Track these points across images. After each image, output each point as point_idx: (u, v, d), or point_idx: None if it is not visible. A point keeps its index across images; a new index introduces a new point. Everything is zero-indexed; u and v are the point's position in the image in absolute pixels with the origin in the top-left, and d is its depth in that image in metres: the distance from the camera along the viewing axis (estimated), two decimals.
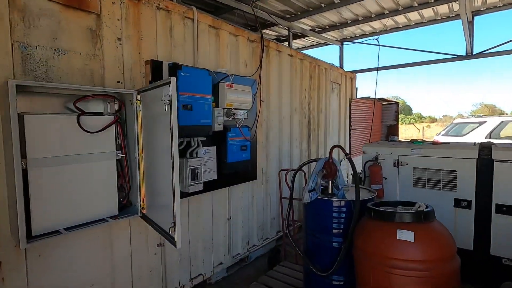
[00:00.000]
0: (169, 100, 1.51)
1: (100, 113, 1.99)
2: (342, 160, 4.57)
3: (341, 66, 6.26)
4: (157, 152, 1.86)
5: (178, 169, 1.63)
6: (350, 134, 6.17)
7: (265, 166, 3.81)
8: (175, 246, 1.73)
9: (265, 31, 5.30)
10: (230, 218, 3.32)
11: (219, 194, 3.15)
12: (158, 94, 1.72)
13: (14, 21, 1.74)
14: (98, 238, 2.15)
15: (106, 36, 2.14)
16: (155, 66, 2.35)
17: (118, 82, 2.22)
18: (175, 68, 2.36)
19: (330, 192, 2.43)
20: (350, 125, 6.16)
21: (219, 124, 2.78)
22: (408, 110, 44.54)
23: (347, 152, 2.31)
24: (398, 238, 1.82)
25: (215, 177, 2.91)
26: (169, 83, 1.55)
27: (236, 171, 3.01)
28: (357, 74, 6.40)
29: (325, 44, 6.61)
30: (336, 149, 2.49)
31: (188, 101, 2.43)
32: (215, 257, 3.16)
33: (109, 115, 1.99)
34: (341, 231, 2.30)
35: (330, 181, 2.41)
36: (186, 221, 2.81)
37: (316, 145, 4.99)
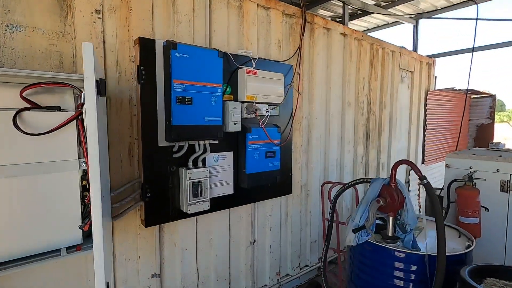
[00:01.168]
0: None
1: (57, 108, 1.48)
2: (408, 180, 3.47)
3: (415, 49, 4.95)
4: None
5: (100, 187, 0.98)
6: (424, 136, 4.85)
7: (305, 177, 3.00)
8: None
9: (313, 10, 4.40)
10: (254, 241, 2.63)
11: (238, 213, 2.48)
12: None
13: None
14: (71, 265, 1.69)
15: (79, 7, 1.64)
16: (145, 46, 1.77)
17: None
18: (168, 48, 1.75)
19: (390, 234, 1.54)
20: (425, 125, 4.84)
21: (235, 123, 2.10)
22: (500, 106, 37.28)
23: (422, 173, 1.38)
24: None
25: (231, 191, 2.25)
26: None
27: (258, 185, 2.29)
28: (436, 59, 5.01)
29: (394, 24, 5.35)
30: (403, 165, 1.57)
31: (186, 92, 1.80)
32: None
33: (68, 111, 1.46)
34: None
35: (390, 218, 1.52)
36: (193, 246, 2.22)
37: (377, 150, 3.93)
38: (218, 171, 2.17)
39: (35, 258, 1.38)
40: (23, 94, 1.39)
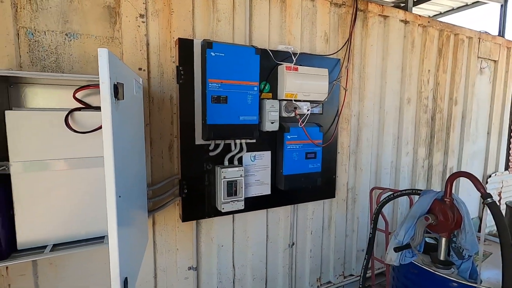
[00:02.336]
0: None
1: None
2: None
3: (502, 33, 4.13)
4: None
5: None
6: (510, 137, 4.05)
7: (352, 180, 2.77)
8: None
9: None
10: (293, 244, 2.54)
11: (277, 213, 2.41)
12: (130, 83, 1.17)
13: (20, 4, 1.54)
14: None
15: (125, 13, 1.75)
16: (184, 46, 1.81)
17: (140, 69, 1.82)
18: (204, 47, 1.76)
19: (442, 257, 1.30)
20: (511, 124, 4.04)
21: (272, 122, 2.02)
22: None
23: (485, 190, 1.10)
24: None
25: (268, 191, 2.19)
26: None
27: (296, 187, 2.18)
28: None
29: (475, 4, 4.55)
30: (461, 179, 1.31)
31: (221, 91, 1.79)
32: None
33: None
34: None
35: (443, 239, 1.27)
36: (229, 243, 2.24)
37: (444, 153, 3.42)
38: (255, 171, 2.13)
39: (82, 243, 1.54)
40: (76, 96, 1.56)
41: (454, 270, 1.27)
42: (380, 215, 1.92)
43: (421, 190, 1.40)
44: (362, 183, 2.81)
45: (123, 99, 0.94)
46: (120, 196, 0.93)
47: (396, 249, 1.28)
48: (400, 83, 2.95)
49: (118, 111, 0.95)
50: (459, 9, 4.68)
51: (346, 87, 2.47)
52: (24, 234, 1.44)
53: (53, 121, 1.47)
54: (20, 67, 1.56)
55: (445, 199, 1.26)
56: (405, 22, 2.88)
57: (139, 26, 1.79)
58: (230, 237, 2.24)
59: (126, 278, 0.99)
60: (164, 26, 1.87)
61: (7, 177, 1.39)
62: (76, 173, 1.52)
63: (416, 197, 1.47)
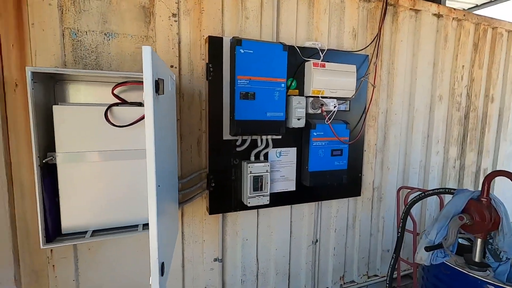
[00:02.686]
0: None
1: (139, 104, 1.70)
2: None
3: None
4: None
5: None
6: None
7: (378, 179, 2.71)
8: None
9: None
10: (317, 241, 2.54)
11: (301, 210, 2.42)
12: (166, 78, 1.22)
13: (65, 7, 1.66)
14: (146, 240, 1.96)
15: (159, 13, 1.83)
16: (213, 44, 1.87)
17: (172, 66, 1.89)
18: (234, 44, 1.80)
19: (477, 259, 1.25)
20: None
21: (298, 119, 2.03)
22: None
23: None
24: None
25: (293, 188, 2.21)
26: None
27: (322, 184, 2.18)
28: None
29: None
30: (498, 178, 1.25)
31: (250, 88, 1.83)
32: (292, 285, 2.50)
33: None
34: None
35: (478, 240, 1.23)
36: (253, 237, 2.28)
37: (477, 153, 3.26)
38: (280, 167, 2.16)
39: (117, 230, 1.64)
40: (114, 92, 1.65)
41: (490, 272, 1.22)
42: (408, 215, 1.87)
43: (455, 189, 1.35)
44: (389, 182, 2.75)
45: (163, 94, 1.00)
46: (159, 186, 0.99)
47: (427, 249, 1.25)
48: (431, 80, 2.84)
49: (158, 106, 1.01)
50: (497, 0, 4.41)
51: (374, 83, 2.42)
52: (68, 220, 1.56)
53: (94, 115, 1.57)
54: (64, 65, 1.68)
55: (482, 199, 1.21)
56: (438, 16, 2.77)
57: (171, 25, 1.86)
58: (254, 232, 2.29)
59: (163, 263, 1.06)
60: (194, 25, 1.93)
61: (54, 167, 1.51)
62: (115, 165, 1.62)
63: (448, 197, 1.42)
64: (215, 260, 2.17)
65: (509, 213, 3.66)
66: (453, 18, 2.84)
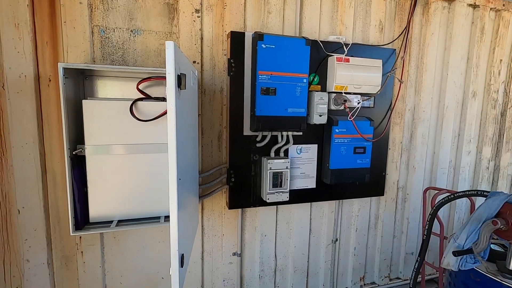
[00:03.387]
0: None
1: (162, 99, 1.74)
2: None
3: None
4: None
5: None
6: None
7: (403, 178, 2.61)
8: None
9: None
10: (337, 240, 2.49)
11: (321, 208, 2.39)
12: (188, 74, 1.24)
13: (94, 5, 1.73)
14: (167, 232, 2.02)
15: (183, 9, 1.85)
16: (235, 39, 1.86)
17: (194, 62, 1.92)
18: (256, 39, 1.78)
19: (511, 267, 1.17)
20: None
21: (320, 115, 1.99)
22: None
23: None
24: None
25: (313, 185, 2.18)
26: None
27: (343, 182, 2.13)
28: None
29: None
30: None
31: (271, 83, 1.81)
32: (310, 284, 2.48)
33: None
34: None
35: None
36: (272, 233, 2.28)
37: None
38: (300, 164, 2.13)
39: (140, 221, 1.70)
40: (139, 87, 1.70)
41: None
42: (435, 217, 1.78)
43: (488, 191, 1.27)
44: (415, 182, 2.63)
45: (185, 89, 1.01)
46: (180, 179, 1.01)
47: (456, 253, 1.18)
48: (464, 75, 2.67)
49: (180, 100, 1.02)
50: None
51: (401, 79, 2.32)
52: (95, 209, 1.64)
53: (120, 109, 1.63)
54: (93, 61, 1.75)
55: None
56: (474, 6, 2.59)
57: (194, 21, 1.88)
58: (273, 228, 2.28)
59: (182, 255, 1.08)
60: (217, 20, 1.94)
61: (83, 158, 1.59)
62: (139, 157, 1.68)
63: (480, 200, 1.33)
64: (234, 254, 2.20)
65: None
66: (490, 9, 2.64)
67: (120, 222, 1.69)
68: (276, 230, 2.30)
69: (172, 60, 0.90)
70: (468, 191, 1.38)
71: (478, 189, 2.13)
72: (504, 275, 1.17)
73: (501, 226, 1.11)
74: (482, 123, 2.83)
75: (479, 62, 2.67)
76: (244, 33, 1.87)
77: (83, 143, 1.57)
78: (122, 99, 1.70)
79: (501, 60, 2.76)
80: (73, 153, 1.53)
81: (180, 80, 0.98)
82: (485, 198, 1.24)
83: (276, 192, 1.96)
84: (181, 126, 1.08)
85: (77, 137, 1.59)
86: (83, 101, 1.55)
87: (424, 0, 2.43)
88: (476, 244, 1.17)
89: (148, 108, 1.66)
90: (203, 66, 1.94)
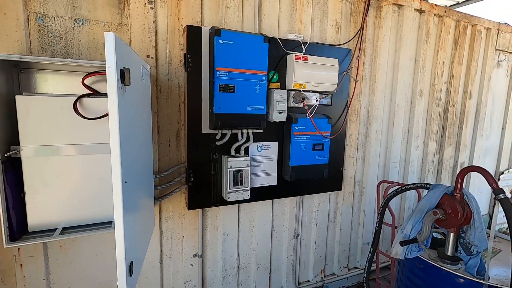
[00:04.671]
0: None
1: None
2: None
3: None
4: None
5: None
6: None
7: (359, 173, 2.74)
8: None
9: None
10: (298, 235, 2.54)
11: (283, 204, 2.41)
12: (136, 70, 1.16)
13: None
14: None
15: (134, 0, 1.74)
16: (192, 34, 1.79)
17: (148, 56, 1.81)
18: (213, 35, 1.73)
19: (449, 253, 1.28)
20: None
21: (279, 113, 2.00)
22: None
23: (497, 185, 1.06)
24: None
25: (274, 182, 2.19)
26: None
27: (303, 178, 2.17)
28: None
29: None
30: (473, 174, 1.27)
31: (229, 80, 1.77)
32: (273, 279, 2.50)
33: None
34: None
35: (451, 234, 1.25)
36: (234, 232, 2.26)
37: (455, 147, 3.34)
38: (261, 161, 2.13)
39: (90, 227, 1.57)
40: (85, 82, 1.56)
41: (461, 266, 1.25)
42: (387, 208, 1.90)
43: (430, 184, 1.37)
44: (370, 176, 2.78)
45: (130, 84, 0.94)
46: (126, 182, 0.94)
47: (402, 243, 1.26)
48: (412, 75, 2.87)
49: (125, 97, 0.95)
50: None
51: (356, 78, 2.42)
52: (35, 217, 1.48)
53: (63, 106, 1.48)
54: (30, 52, 1.57)
55: (455, 194, 1.23)
56: (420, 11, 2.79)
57: (147, 12, 1.78)
58: (235, 226, 2.26)
59: (131, 262, 1.01)
60: (172, 13, 1.85)
61: (18, 161, 1.42)
62: (86, 159, 1.54)
63: (425, 191, 1.44)
64: (195, 255, 2.14)
65: (484, 207, 3.79)
66: (434, 14, 2.86)
67: (66, 230, 1.55)
68: (238, 228, 2.28)
69: (112, 53, 0.82)
70: (413, 184, 1.48)
71: (422, 182, 2.31)
72: (443, 261, 1.27)
73: (440, 216, 1.21)
74: (428, 120, 3.07)
75: (425, 63, 2.88)
76: (201, 27, 1.81)
77: (19, 144, 1.41)
78: (66, 95, 1.56)
79: (443, 62, 3.01)
80: (5, 155, 1.36)
81: (124, 75, 0.90)
82: (427, 190, 1.34)
83: (237, 190, 1.94)
84: (127, 125, 1.00)
85: (11, 137, 1.42)
86: (17, 96, 1.38)
87: (377, 3, 2.55)
88: (420, 233, 1.26)
89: (96, 105, 1.54)
90: (158, 61, 1.85)
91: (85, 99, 1.52)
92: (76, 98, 1.47)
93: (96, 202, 1.57)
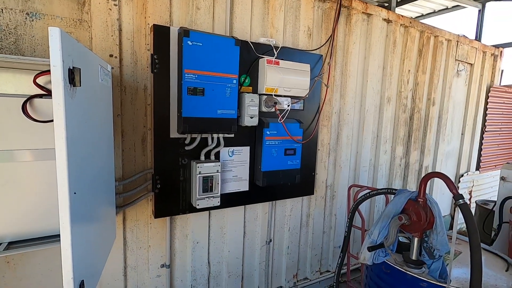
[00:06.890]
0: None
1: None
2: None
3: (478, 37, 4.27)
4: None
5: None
6: (482, 139, 4.22)
7: (331, 177, 2.77)
8: None
9: None
10: (271, 241, 2.51)
11: (255, 210, 2.37)
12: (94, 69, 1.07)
13: None
14: None
15: None
16: (159, 34, 1.71)
17: (111, 56, 1.70)
18: (181, 35, 1.66)
19: (414, 257, 1.30)
20: (484, 126, 4.20)
21: (251, 117, 1.97)
22: None
23: (457, 191, 1.10)
24: None
25: (246, 188, 2.15)
26: None
27: (275, 184, 2.15)
28: (506, 49, 4.27)
29: (455, 8, 4.66)
30: (435, 180, 1.31)
31: (198, 83, 1.71)
32: (245, 286, 2.45)
33: None
34: None
35: (415, 239, 1.28)
36: (205, 240, 2.18)
37: (420, 151, 3.50)
38: (232, 166, 2.08)
39: (41, 240, 1.43)
40: (37, 81, 1.43)
41: (425, 269, 1.28)
42: (357, 212, 1.92)
43: (396, 189, 1.40)
44: (341, 180, 2.82)
45: (80, 86, 0.85)
46: (75, 193, 0.85)
47: (370, 249, 1.27)
48: (381, 82, 2.97)
49: (75, 99, 0.86)
50: (440, 11, 4.80)
51: (327, 83, 2.45)
52: None
53: (11, 108, 1.35)
54: None
55: (419, 199, 1.26)
56: (388, 21, 2.90)
57: (110, 9, 1.67)
58: (206, 234, 2.18)
59: (82, 281, 0.91)
60: (138, 11, 1.76)
61: None
62: (37, 165, 1.41)
63: (392, 196, 1.47)
64: (163, 266, 2.03)
65: (446, 208, 3.97)
66: (401, 24, 2.99)
67: (13, 244, 1.40)
68: (209, 236, 2.21)
69: (57, 49, 0.74)
70: (381, 189, 1.50)
71: (388, 187, 2.38)
72: (408, 265, 1.30)
73: (405, 221, 1.23)
74: (395, 125, 3.19)
75: (392, 71, 2.99)
76: (169, 27, 1.73)
77: None
78: (15, 95, 1.41)
79: (409, 70, 3.15)
80: None
81: (73, 75, 0.82)
82: (393, 196, 1.36)
83: (207, 197, 1.87)
84: (78, 129, 0.91)
85: None
86: None
87: (347, 11, 2.61)
88: (386, 238, 1.27)
89: (50, 106, 1.41)
90: (122, 60, 1.74)
91: (37, 100, 1.39)
92: (26, 98, 1.34)
93: (48, 214, 1.44)
